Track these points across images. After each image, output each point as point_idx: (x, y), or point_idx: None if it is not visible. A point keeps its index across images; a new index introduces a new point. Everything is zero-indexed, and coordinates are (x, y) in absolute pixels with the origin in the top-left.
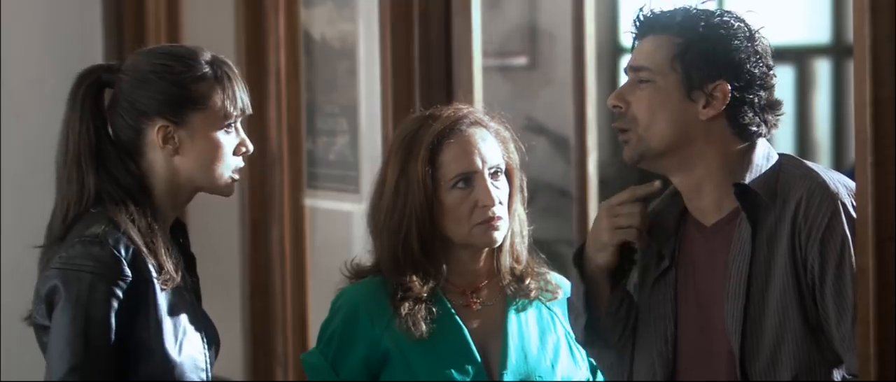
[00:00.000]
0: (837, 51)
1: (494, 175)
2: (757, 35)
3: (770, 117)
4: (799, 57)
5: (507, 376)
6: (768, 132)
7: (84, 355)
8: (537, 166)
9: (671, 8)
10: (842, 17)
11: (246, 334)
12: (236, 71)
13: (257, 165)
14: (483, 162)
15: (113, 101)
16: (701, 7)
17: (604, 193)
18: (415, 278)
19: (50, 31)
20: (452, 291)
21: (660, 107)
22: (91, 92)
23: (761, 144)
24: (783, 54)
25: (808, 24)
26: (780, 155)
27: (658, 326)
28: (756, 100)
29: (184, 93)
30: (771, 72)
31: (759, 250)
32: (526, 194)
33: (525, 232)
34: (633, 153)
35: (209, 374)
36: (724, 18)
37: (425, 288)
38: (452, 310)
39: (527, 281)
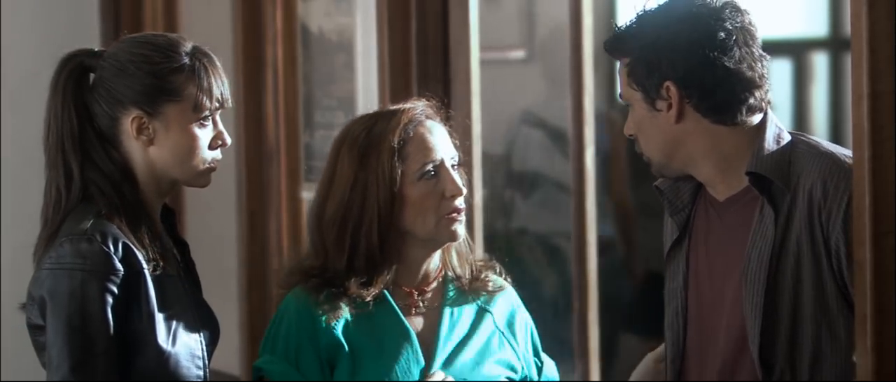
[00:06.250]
0: (835, 44)
1: (454, 168)
2: (714, 18)
3: (745, 95)
4: (796, 50)
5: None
6: (748, 112)
7: (84, 353)
8: (535, 159)
9: (626, 24)
10: (839, 11)
11: (243, 327)
12: (217, 62)
13: (255, 158)
14: (446, 153)
15: (93, 88)
16: (653, 10)
17: (603, 187)
18: (364, 278)
19: (47, 25)
20: (399, 292)
21: (640, 127)
22: (73, 76)
23: (770, 127)
24: (780, 48)
25: (806, 18)
26: (794, 135)
27: (671, 301)
28: (711, 84)
29: (160, 84)
30: (728, 52)
31: (776, 234)
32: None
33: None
34: (653, 169)
35: (206, 364)
36: (668, 15)
37: (371, 290)
38: (400, 313)
39: (471, 282)
